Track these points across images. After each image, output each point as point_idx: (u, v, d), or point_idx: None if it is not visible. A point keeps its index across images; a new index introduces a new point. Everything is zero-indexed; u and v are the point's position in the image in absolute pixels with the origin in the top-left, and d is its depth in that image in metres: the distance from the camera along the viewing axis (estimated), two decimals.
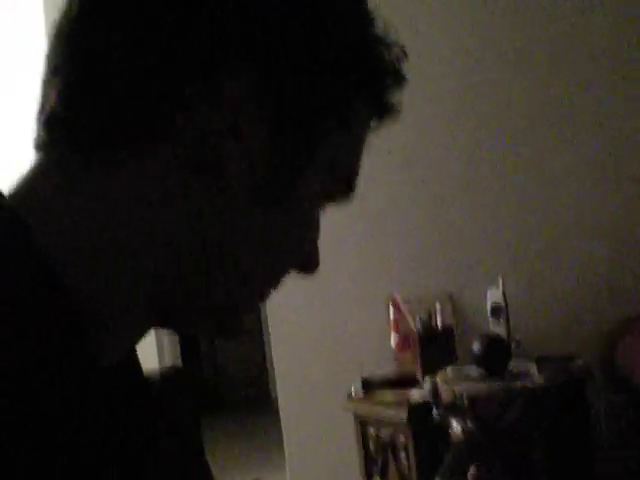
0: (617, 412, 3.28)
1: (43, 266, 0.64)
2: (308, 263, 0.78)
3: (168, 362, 5.00)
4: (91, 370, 0.64)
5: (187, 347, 6.03)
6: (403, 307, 3.40)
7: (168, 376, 0.80)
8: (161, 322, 0.75)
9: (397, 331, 3.43)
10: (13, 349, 0.58)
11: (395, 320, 3.44)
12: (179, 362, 5.26)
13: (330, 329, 3.61)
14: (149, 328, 0.75)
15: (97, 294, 0.67)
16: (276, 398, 3.81)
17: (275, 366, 3.70)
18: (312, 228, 0.77)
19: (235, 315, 0.76)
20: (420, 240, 3.58)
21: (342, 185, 0.77)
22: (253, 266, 0.73)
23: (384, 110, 0.77)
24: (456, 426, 1.09)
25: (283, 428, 3.68)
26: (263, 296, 0.76)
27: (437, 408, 1.15)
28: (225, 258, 0.71)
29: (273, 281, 0.76)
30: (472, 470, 0.97)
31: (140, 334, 0.74)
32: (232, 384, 9.53)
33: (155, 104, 0.68)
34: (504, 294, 3.24)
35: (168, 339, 5.19)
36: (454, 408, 1.12)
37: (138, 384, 0.77)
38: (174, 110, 0.68)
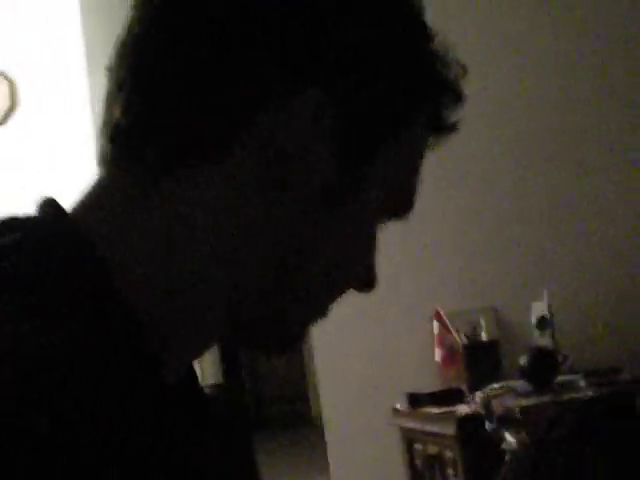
0: None
1: (107, 284, 0.64)
2: (367, 280, 0.79)
3: (210, 380, 5.01)
4: (157, 387, 0.65)
5: (228, 365, 6.04)
6: (447, 321, 3.39)
7: (221, 393, 0.80)
8: (228, 337, 0.75)
9: (441, 346, 3.42)
10: (77, 366, 0.58)
11: (439, 335, 3.42)
12: (220, 380, 5.28)
13: (373, 344, 3.60)
14: (213, 344, 0.75)
15: (166, 309, 0.68)
16: (316, 414, 3.81)
17: (319, 382, 3.70)
18: (371, 244, 0.77)
19: (301, 329, 0.76)
20: (463, 254, 3.57)
21: (399, 201, 0.77)
22: (320, 280, 0.73)
23: (442, 127, 0.77)
24: (510, 439, 1.09)
25: (328, 444, 3.67)
26: (326, 311, 0.77)
27: (490, 421, 1.15)
28: (294, 271, 0.71)
29: (335, 295, 0.76)
30: None
31: (204, 349, 0.74)
32: (272, 401, 9.53)
33: (222, 119, 0.68)
34: (550, 307, 3.22)
35: (209, 357, 5.20)
36: (507, 421, 1.11)
37: (198, 400, 0.77)
38: (241, 124, 0.68)
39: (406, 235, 3.34)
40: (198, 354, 0.75)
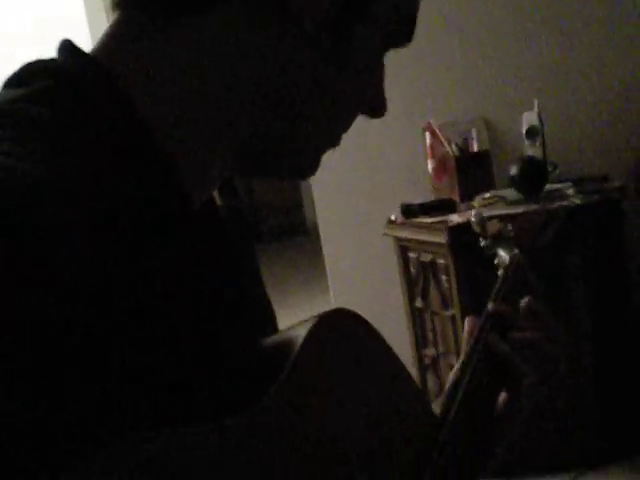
0: None
1: (130, 113, 0.69)
2: (375, 105, 0.82)
3: None
4: (183, 211, 0.70)
5: (224, 184, 6.07)
6: (439, 133, 3.42)
7: (230, 210, 0.85)
8: (242, 167, 0.80)
9: (433, 157, 3.46)
10: (107, 195, 0.62)
11: (431, 146, 3.46)
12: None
13: (366, 156, 3.64)
14: (228, 174, 0.80)
15: (185, 140, 0.72)
16: (312, 225, 3.89)
17: (314, 194, 3.76)
18: (376, 71, 0.81)
19: (314, 157, 0.81)
20: (454, 65, 3.57)
21: (401, 26, 0.80)
22: (326, 107, 0.77)
23: None
24: (503, 255, 1.15)
25: (325, 254, 3.77)
26: (337, 139, 0.81)
27: (484, 239, 1.21)
28: (301, 101, 0.75)
29: (346, 122, 0.80)
30: (525, 301, 1.03)
31: (219, 180, 0.80)
32: (267, 213, 9.63)
33: None
34: (540, 116, 3.26)
35: None
36: (500, 238, 1.17)
37: (218, 222, 0.83)
38: None
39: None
40: (216, 183, 0.79)
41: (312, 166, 0.81)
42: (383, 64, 0.82)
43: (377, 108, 0.83)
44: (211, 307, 0.72)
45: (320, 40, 0.73)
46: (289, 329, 0.73)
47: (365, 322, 0.76)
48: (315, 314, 0.72)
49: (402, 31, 0.81)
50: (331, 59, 0.74)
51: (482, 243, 1.21)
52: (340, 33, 0.74)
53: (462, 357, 1.00)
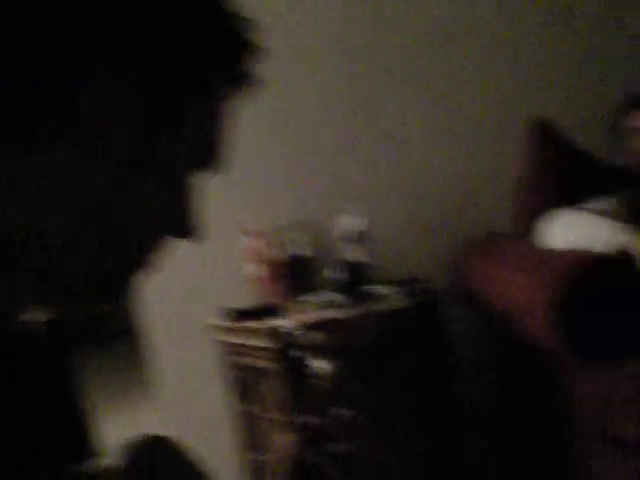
0: (472, 331, 3.45)
1: None
2: (181, 228, 0.85)
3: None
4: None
5: None
6: (258, 237, 3.43)
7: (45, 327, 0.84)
8: (51, 293, 0.80)
9: (256, 261, 3.46)
10: None
11: (251, 251, 3.47)
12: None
13: (186, 259, 3.61)
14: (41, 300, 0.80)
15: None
16: (138, 327, 3.81)
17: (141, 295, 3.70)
18: (183, 194, 0.83)
19: (121, 282, 0.82)
20: (274, 168, 3.64)
21: (206, 152, 0.83)
22: (135, 231, 0.79)
23: (237, 81, 0.82)
24: (318, 365, 1.15)
25: (148, 359, 3.70)
26: (147, 262, 0.83)
27: (301, 350, 1.21)
28: (111, 225, 0.77)
29: (153, 246, 0.83)
30: (341, 413, 1.04)
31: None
32: (92, 315, 9.41)
33: (47, 98, 0.73)
34: (359, 220, 3.35)
35: None
36: (318, 347, 1.18)
37: (30, 337, 0.82)
38: (61, 100, 0.73)
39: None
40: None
41: (120, 289, 0.82)
42: (192, 185, 0.84)
43: (182, 230, 0.85)
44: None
45: (125, 168, 0.76)
46: (100, 461, 0.73)
47: (172, 446, 0.76)
48: (126, 441, 0.71)
49: (205, 158, 0.83)
50: (140, 183, 0.77)
51: (292, 353, 1.21)
52: (145, 164, 0.77)
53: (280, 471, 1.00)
